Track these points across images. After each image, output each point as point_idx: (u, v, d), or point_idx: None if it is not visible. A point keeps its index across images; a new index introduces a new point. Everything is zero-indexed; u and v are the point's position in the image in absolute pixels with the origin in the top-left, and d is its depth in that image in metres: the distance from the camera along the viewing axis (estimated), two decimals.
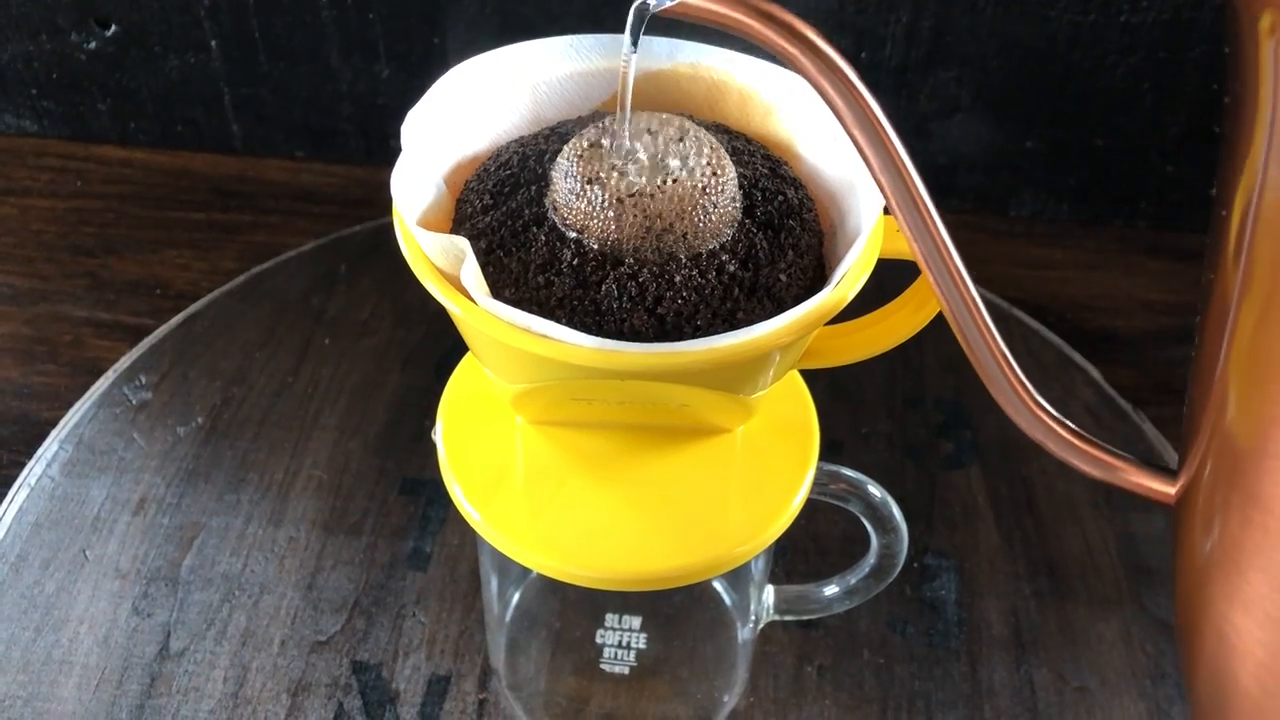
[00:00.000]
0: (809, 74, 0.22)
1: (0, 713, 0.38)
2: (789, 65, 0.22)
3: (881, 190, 0.23)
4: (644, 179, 0.25)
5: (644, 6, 0.23)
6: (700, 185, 0.25)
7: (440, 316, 0.26)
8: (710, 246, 0.25)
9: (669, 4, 0.22)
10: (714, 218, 0.25)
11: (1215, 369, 0.26)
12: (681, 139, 0.26)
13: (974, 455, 0.47)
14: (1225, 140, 0.24)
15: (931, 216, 0.24)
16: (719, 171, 0.25)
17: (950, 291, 0.24)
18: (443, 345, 0.50)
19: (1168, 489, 0.28)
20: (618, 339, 0.24)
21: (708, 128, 0.28)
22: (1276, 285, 0.23)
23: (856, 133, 0.22)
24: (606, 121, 0.26)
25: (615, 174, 0.25)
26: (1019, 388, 0.26)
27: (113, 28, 0.58)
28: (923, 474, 0.46)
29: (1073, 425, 0.27)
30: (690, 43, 0.29)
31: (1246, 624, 0.26)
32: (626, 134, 0.25)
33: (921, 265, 0.24)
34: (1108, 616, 0.41)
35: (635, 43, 0.24)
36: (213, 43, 0.57)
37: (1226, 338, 0.25)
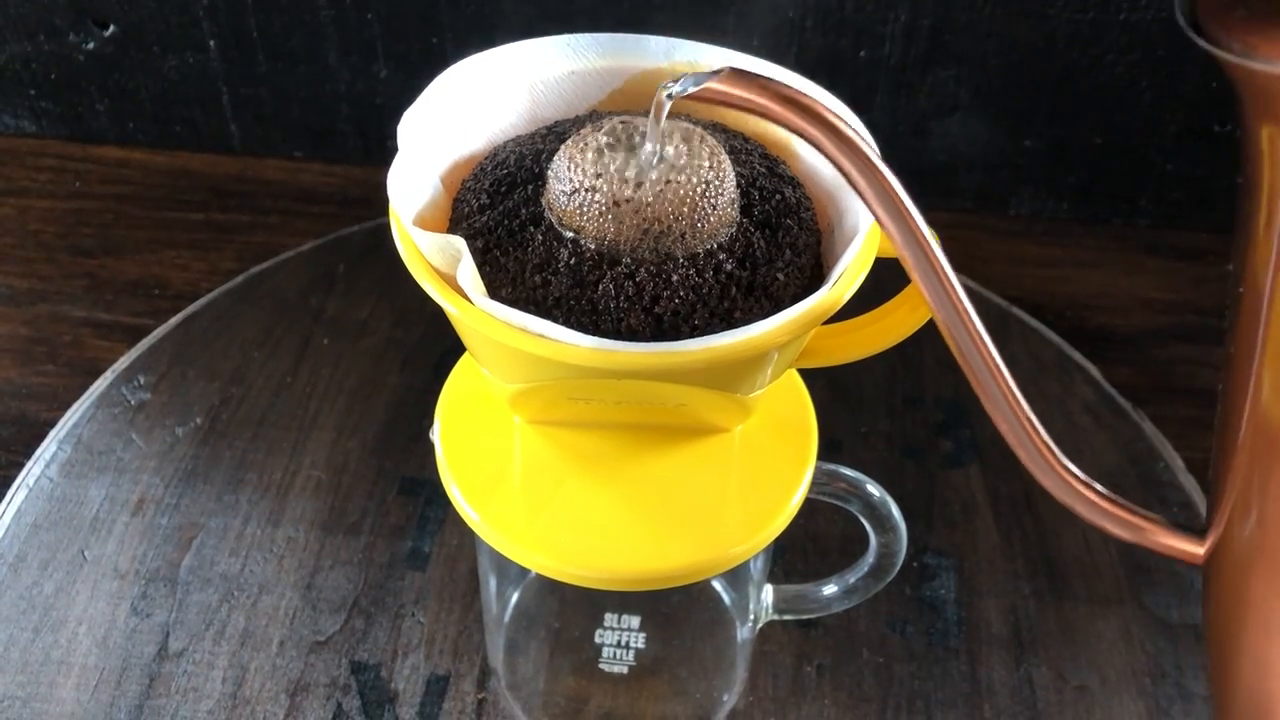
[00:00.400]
0: (833, 156, 0.22)
1: (0, 713, 0.38)
2: (815, 147, 0.22)
3: (905, 267, 0.24)
4: (643, 183, 0.25)
5: (672, 94, 0.23)
6: (699, 189, 0.25)
7: (439, 317, 0.26)
8: (708, 246, 0.25)
9: (695, 89, 0.22)
10: (713, 219, 0.25)
11: (1238, 437, 0.26)
12: (685, 140, 0.25)
13: (973, 454, 0.47)
14: (1239, 219, 0.25)
15: (961, 300, 0.24)
16: (719, 173, 0.25)
17: (974, 357, 0.24)
18: (441, 345, 0.50)
19: (1196, 549, 0.28)
20: (615, 338, 0.24)
21: (705, 126, 0.28)
22: None
23: (881, 214, 0.23)
24: (605, 123, 0.26)
25: (614, 178, 0.25)
26: (1046, 452, 0.26)
27: (111, 28, 0.58)
28: (922, 473, 0.46)
29: (1100, 488, 0.27)
30: (688, 42, 0.29)
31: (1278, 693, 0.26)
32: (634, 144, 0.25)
33: (948, 339, 0.25)
34: (1107, 615, 0.41)
35: (659, 122, 0.24)
36: (211, 43, 0.57)
37: (1248, 409, 0.25)
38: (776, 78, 0.29)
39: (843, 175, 0.23)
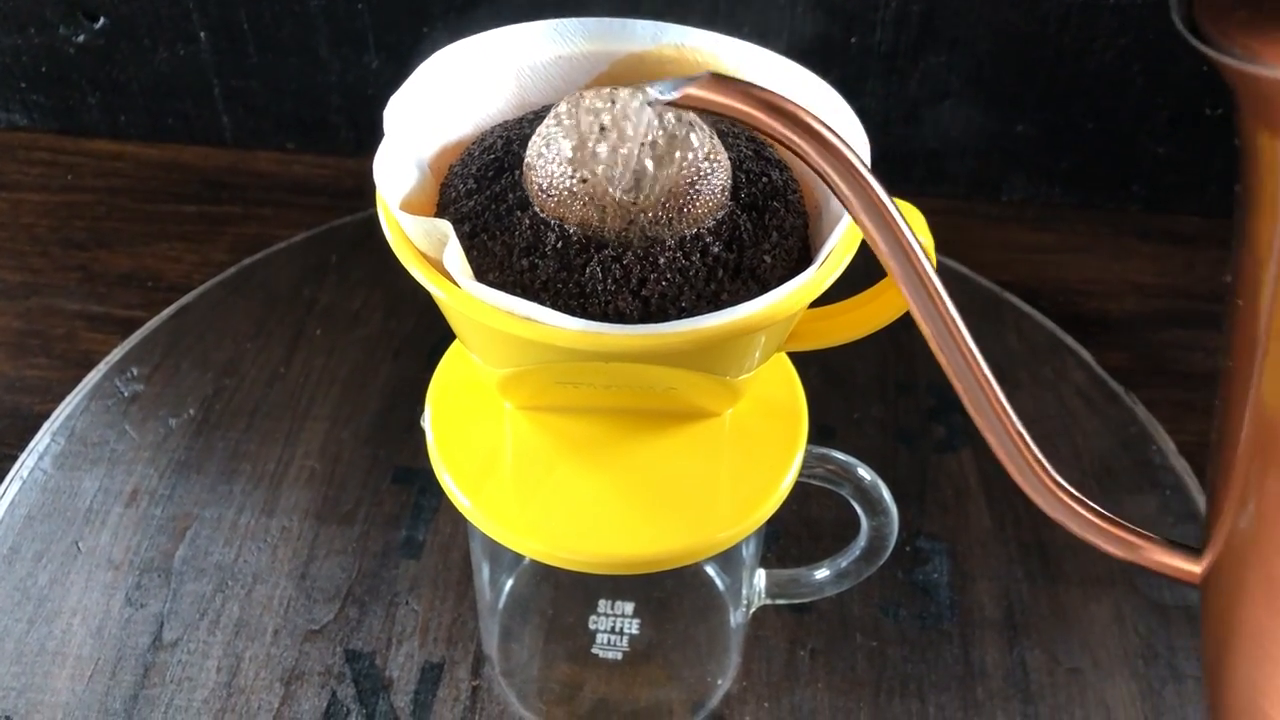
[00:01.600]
0: (815, 164, 0.22)
1: None
2: (798, 155, 0.22)
3: (892, 275, 0.23)
4: (631, 186, 0.24)
5: (652, 101, 0.22)
6: (690, 179, 0.25)
7: (431, 307, 0.26)
8: (695, 230, 0.25)
9: (674, 95, 0.22)
10: (700, 207, 0.25)
11: (1235, 453, 0.26)
12: (689, 131, 0.25)
13: (966, 439, 0.47)
14: (1237, 229, 0.24)
15: (944, 300, 0.23)
16: (712, 162, 0.25)
17: (965, 375, 0.24)
18: (434, 335, 0.50)
19: (1193, 568, 0.28)
20: (602, 321, 0.24)
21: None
22: None
23: (866, 221, 0.22)
24: (583, 107, 0.25)
25: (599, 179, 0.24)
26: (1039, 470, 0.26)
27: (101, 20, 0.57)
28: (915, 458, 0.46)
29: (1094, 505, 0.27)
30: (675, 25, 0.29)
31: (1276, 716, 0.26)
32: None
33: (933, 346, 0.24)
34: (1100, 598, 0.41)
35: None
36: (201, 34, 0.57)
37: (1247, 426, 0.25)
38: (761, 60, 0.29)
39: (827, 185, 0.22)
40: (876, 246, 0.23)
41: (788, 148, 0.22)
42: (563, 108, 0.25)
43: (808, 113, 0.21)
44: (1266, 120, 0.22)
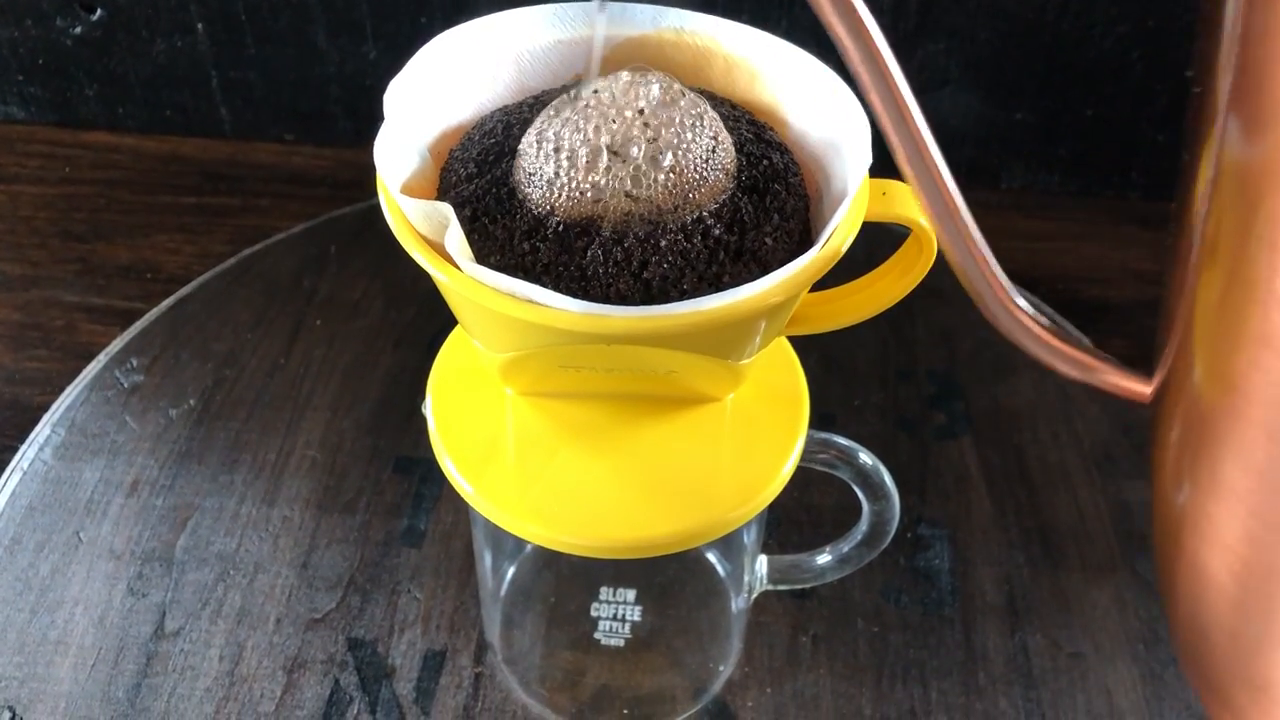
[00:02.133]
0: (824, 12, 0.22)
1: None
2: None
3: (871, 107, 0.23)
4: (632, 176, 0.24)
5: None
6: (692, 168, 0.25)
7: (431, 296, 0.26)
8: (697, 214, 0.25)
9: None
10: (701, 193, 0.25)
11: (1189, 261, 0.25)
12: (696, 119, 0.25)
13: (966, 426, 0.47)
14: (1199, 55, 0.24)
15: (906, 103, 0.23)
16: (715, 143, 0.25)
17: (932, 193, 0.24)
18: (434, 325, 0.50)
19: (1144, 388, 0.28)
20: (604, 304, 0.24)
21: (693, 93, 0.28)
22: (1248, 175, 0.23)
23: (856, 60, 0.22)
24: (582, 102, 0.25)
25: (601, 179, 0.24)
26: (998, 287, 0.26)
27: (98, 12, 0.57)
28: (915, 445, 0.46)
29: (1050, 324, 0.27)
30: (675, 9, 0.29)
31: (1222, 514, 0.26)
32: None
33: (903, 167, 0.24)
34: (1101, 583, 0.42)
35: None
36: (199, 25, 0.57)
37: (1199, 228, 0.25)
38: (765, 44, 0.29)
39: (836, 42, 0.22)
40: (864, 84, 0.23)
41: None
42: (550, 118, 0.25)
43: None
44: None
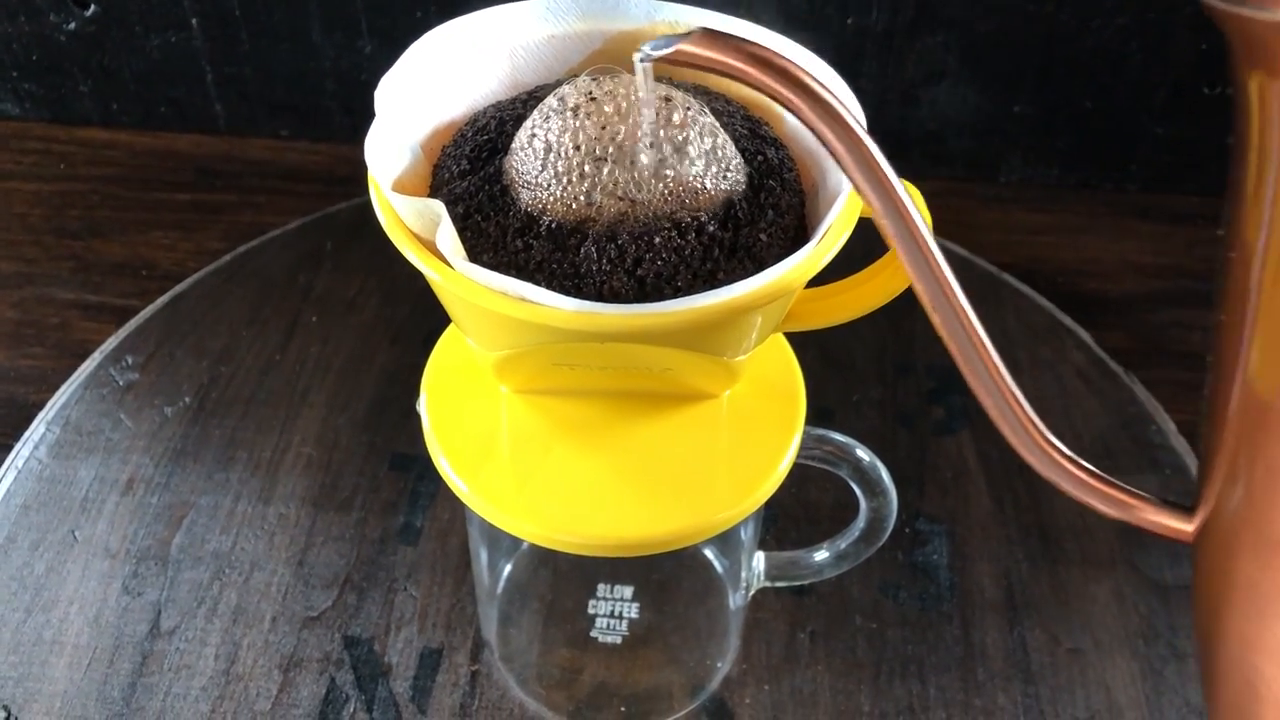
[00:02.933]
0: (808, 119, 0.22)
1: None
2: (789, 110, 0.22)
3: (884, 236, 0.23)
4: (631, 183, 0.24)
5: (645, 57, 0.22)
6: (698, 178, 0.25)
7: (427, 292, 0.25)
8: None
9: (666, 51, 0.21)
10: (700, 199, 0.25)
11: (1228, 410, 0.25)
12: (699, 129, 0.25)
13: (965, 421, 0.47)
14: (1230, 180, 0.24)
15: (938, 260, 0.23)
16: (720, 160, 0.25)
17: (958, 333, 0.24)
18: (430, 321, 0.49)
19: (1185, 527, 0.27)
20: (597, 301, 0.24)
21: (687, 89, 0.28)
22: None
23: (860, 181, 0.22)
24: (573, 95, 0.25)
25: (598, 181, 0.24)
26: (1032, 429, 0.25)
27: (92, 8, 0.57)
28: (914, 440, 0.46)
29: (1087, 465, 0.26)
30: (669, 4, 0.29)
31: (1270, 670, 0.26)
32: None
33: (927, 307, 0.24)
34: (1100, 578, 0.41)
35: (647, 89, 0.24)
36: (193, 21, 0.57)
37: (1238, 381, 0.25)
38: (756, 38, 0.28)
39: (819, 140, 0.22)
40: (869, 201, 0.22)
41: (782, 104, 0.22)
42: (545, 118, 0.25)
43: (801, 69, 0.21)
44: (1257, 63, 0.22)
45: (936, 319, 0.24)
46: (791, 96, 0.21)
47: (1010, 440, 0.26)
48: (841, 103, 0.22)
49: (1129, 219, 0.58)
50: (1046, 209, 0.58)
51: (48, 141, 0.61)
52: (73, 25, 0.58)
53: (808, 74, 0.21)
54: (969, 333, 0.24)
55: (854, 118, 0.22)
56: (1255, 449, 0.25)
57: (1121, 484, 0.27)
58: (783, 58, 0.21)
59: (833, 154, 0.22)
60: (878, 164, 0.22)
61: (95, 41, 0.58)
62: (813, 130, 0.22)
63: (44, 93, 0.61)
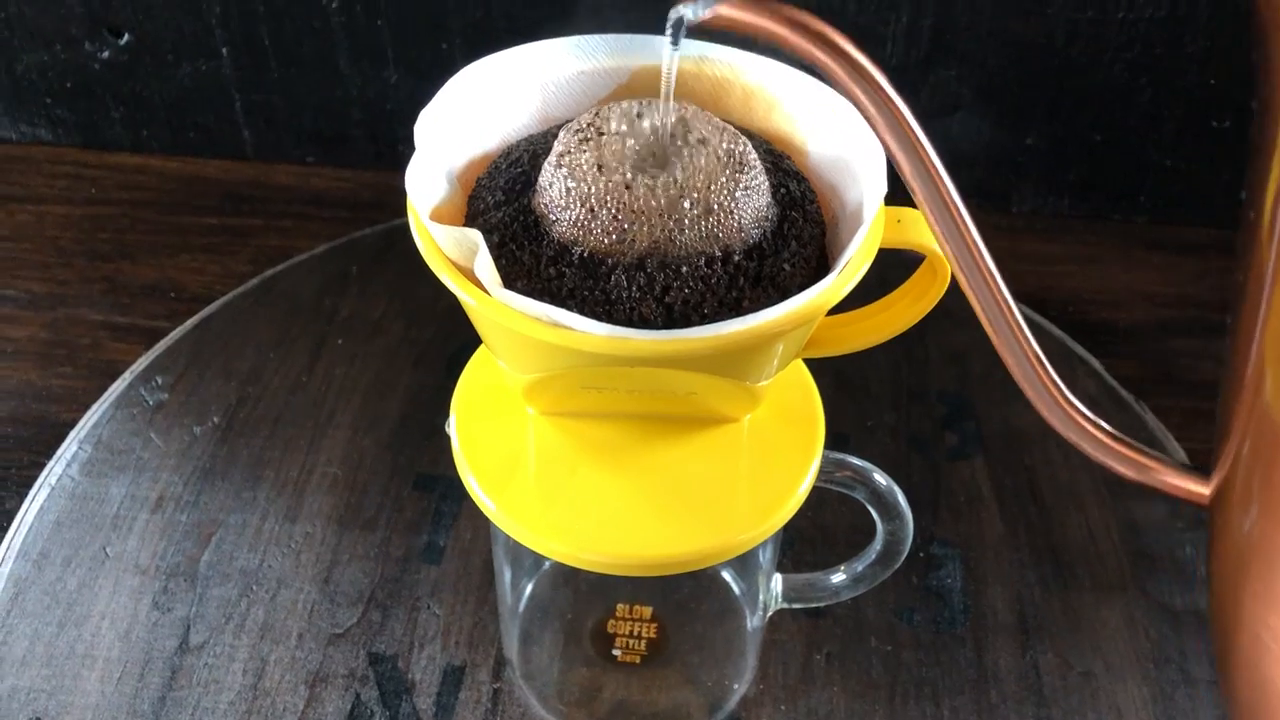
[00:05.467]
0: (841, 81, 0.22)
1: (26, 705, 0.38)
2: (821, 74, 0.23)
3: (913, 194, 0.24)
4: (663, 226, 0.25)
5: (679, 16, 0.23)
6: (733, 220, 0.26)
7: (451, 315, 0.26)
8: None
9: (705, 14, 0.22)
10: (736, 238, 0.26)
11: (1247, 368, 0.26)
12: (734, 168, 0.26)
13: (978, 446, 0.47)
14: (1254, 145, 0.25)
15: (963, 218, 0.24)
16: (753, 202, 0.26)
17: (983, 292, 0.25)
18: (453, 343, 0.51)
19: (1202, 489, 0.28)
20: (627, 327, 0.25)
21: (716, 126, 0.29)
22: None
23: (888, 138, 0.23)
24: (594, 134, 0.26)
25: (628, 221, 0.25)
26: (1054, 391, 0.26)
27: (125, 36, 0.59)
28: (928, 465, 0.47)
29: (1108, 426, 0.27)
30: (694, 41, 0.30)
31: None
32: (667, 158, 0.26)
33: (954, 268, 0.25)
34: (1111, 602, 0.42)
35: (676, 43, 0.25)
36: (224, 50, 0.58)
37: (1258, 338, 0.25)
38: (782, 74, 0.29)
39: (853, 104, 0.23)
40: (898, 161, 0.23)
41: (819, 67, 0.22)
42: (571, 154, 0.26)
43: (836, 32, 0.22)
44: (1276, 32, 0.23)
45: (962, 279, 0.25)
46: (826, 59, 0.22)
47: (1033, 401, 0.26)
48: (875, 65, 0.22)
49: (1139, 249, 0.59)
50: (1057, 239, 0.59)
51: (80, 166, 0.62)
52: (106, 54, 0.59)
53: (841, 36, 0.22)
54: (994, 293, 0.25)
55: (884, 79, 0.23)
56: (1271, 411, 0.25)
57: (1141, 446, 0.27)
58: (817, 21, 0.22)
59: (864, 115, 0.23)
60: (907, 123, 0.23)
61: (127, 69, 0.60)
62: (845, 93, 0.23)
63: (76, 119, 0.62)
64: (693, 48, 0.30)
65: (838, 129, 0.28)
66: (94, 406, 0.48)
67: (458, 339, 0.51)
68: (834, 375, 0.47)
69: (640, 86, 0.30)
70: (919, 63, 0.55)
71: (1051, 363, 0.51)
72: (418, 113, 0.28)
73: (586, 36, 0.30)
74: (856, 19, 0.54)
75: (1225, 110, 0.56)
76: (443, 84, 0.28)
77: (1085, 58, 0.55)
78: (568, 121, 0.30)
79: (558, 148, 0.26)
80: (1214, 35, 0.53)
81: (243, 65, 0.59)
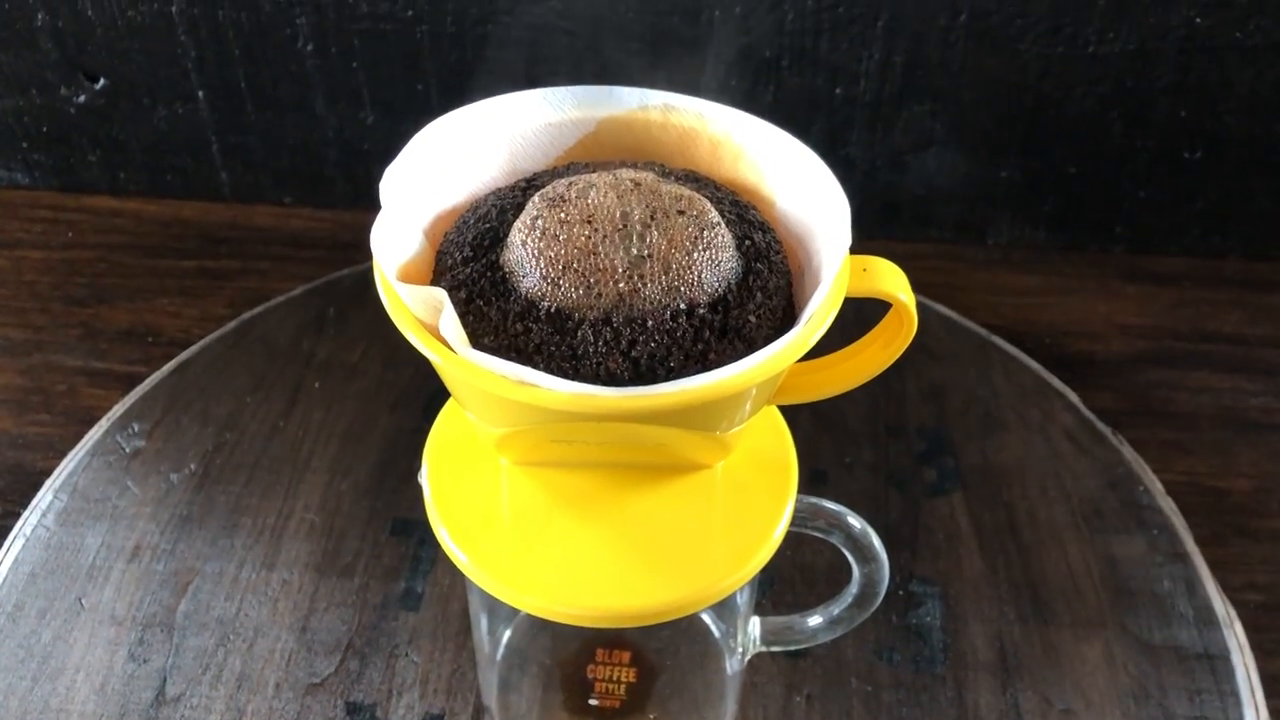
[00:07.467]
0: None
1: None
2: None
3: None
4: (627, 283, 0.25)
5: None
6: (696, 277, 0.26)
7: (428, 360, 0.26)
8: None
9: None
10: (699, 293, 0.26)
11: None
12: (697, 232, 0.26)
13: (956, 482, 0.47)
14: None
15: None
16: (717, 262, 0.26)
17: None
18: (430, 386, 0.51)
19: None
20: (594, 382, 0.25)
21: (679, 175, 0.29)
22: None
23: None
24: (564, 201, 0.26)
25: (595, 280, 0.25)
26: None
27: (101, 81, 0.59)
28: (906, 502, 0.47)
29: None
30: (659, 92, 0.30)
31: None
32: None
33: None
34: (1090, 639, 0.42)
35: None
36: (200, 93, 0.58)
37: None
38: (748, 125, 0.30)
39: None
40: None
41: None
42: (541, 215, 0.26)
43: None
44: None
45: None
46: None
47: None
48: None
49: (1115, 280, 0.59)
50: (1034, 271, 0.59)
51: (56, 210, 0.62)
52: (82, 98, 0.59)
53: None
54: None
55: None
56: None
57: None
58: None
59: None
60: None
61: (104, 113, 0.60)
62: None
63: (53, 163, 0.62)
64: (659, 98, 0.30)
65: (803, 180, 0.29)
66: (70, 454, 0.48)
67: (435, 381, 0.50)
68: (812, 411, 0.47)
69: (607, 136, 0.31)
70: (893, 99, 0.56)
71: (1029, 396, 0.51)
72: (394, 152, 0.28)
73: (554, 89, 0.30)
74: (829, 57, 0.54)
75: (1197, 141, 0.56)
76: (419, 124, 0.29)
77: (1058, 92, 0.55)
78: (535, 174, 0.30)
79: (529, 210, 0.27)
80: (1184, 69, 0.54)
81: (219, 108, 0.59)
